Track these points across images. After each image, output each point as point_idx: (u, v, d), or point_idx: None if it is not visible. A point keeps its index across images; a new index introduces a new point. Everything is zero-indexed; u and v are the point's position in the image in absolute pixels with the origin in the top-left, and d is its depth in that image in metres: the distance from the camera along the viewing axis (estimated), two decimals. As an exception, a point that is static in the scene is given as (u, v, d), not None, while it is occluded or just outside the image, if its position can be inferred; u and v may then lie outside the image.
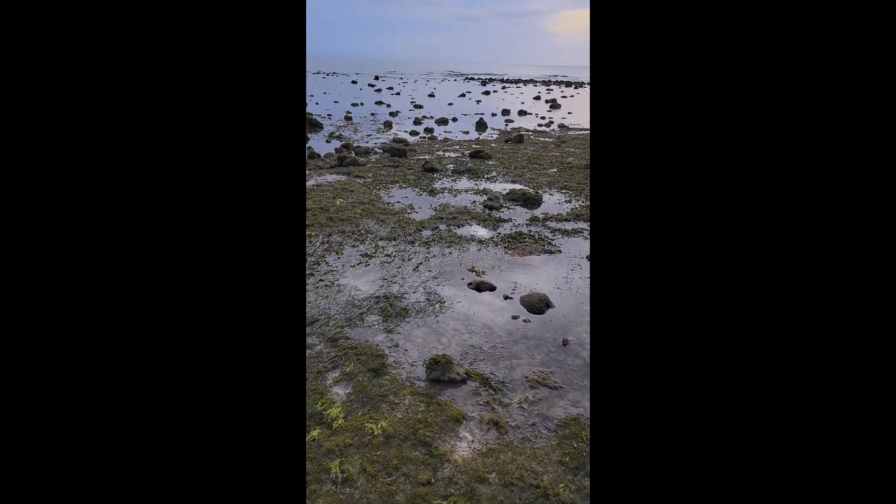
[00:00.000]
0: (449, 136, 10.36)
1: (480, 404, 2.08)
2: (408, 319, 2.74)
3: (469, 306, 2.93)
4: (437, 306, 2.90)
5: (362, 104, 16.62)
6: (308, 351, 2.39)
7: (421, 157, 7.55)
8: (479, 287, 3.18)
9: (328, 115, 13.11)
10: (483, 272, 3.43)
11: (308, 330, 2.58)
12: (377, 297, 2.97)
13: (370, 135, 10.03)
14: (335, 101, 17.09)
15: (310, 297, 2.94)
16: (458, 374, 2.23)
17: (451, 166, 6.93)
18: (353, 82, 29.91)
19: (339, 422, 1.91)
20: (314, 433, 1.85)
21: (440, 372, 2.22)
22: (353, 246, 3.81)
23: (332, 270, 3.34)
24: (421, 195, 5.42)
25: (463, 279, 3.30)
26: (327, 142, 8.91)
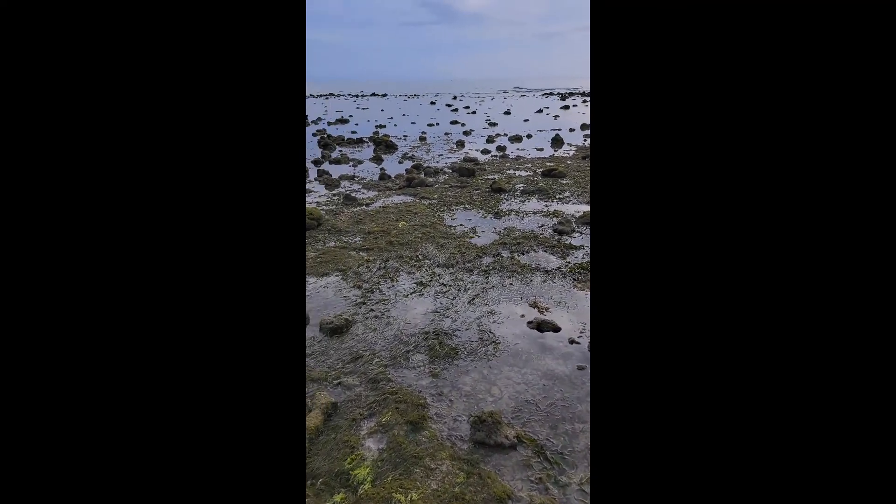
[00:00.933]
0: (521, 153, 10.03)
1: (532, 481, 1.73)
2: (456, 362, 2.47)
3: (527, 350, 2.58)
4: (491, 348, 2.60)
5: (438, 124, 16.96)
6: (347, 392, 2.23)
7: (490, 177, 7.32)
8: (541, 327, 2.81)
9: (404, 136, 13.52)
10: (546, 308, 3.06)
11: (350, 367, 2.43)
12: (426, 332, 2.76)
13: (441, 154, 10.06)
14: (412, 123, 17.67)
15: (358, 329, 2.81)
16: (506, 437, 1.91)
17: (520, 186, 6.60)
18: (432, 103, 30.91)
19: (366, 486, 1.69)
20: (337, 498, 1.65)
21: (486, 433, 1.91)
22: (409, 273, 3.65)
23: (384, 299, 3.20)
24: (485, 218, 5.17)
25: (523, 316, 2.95)
26: (400, 162, 9.09)
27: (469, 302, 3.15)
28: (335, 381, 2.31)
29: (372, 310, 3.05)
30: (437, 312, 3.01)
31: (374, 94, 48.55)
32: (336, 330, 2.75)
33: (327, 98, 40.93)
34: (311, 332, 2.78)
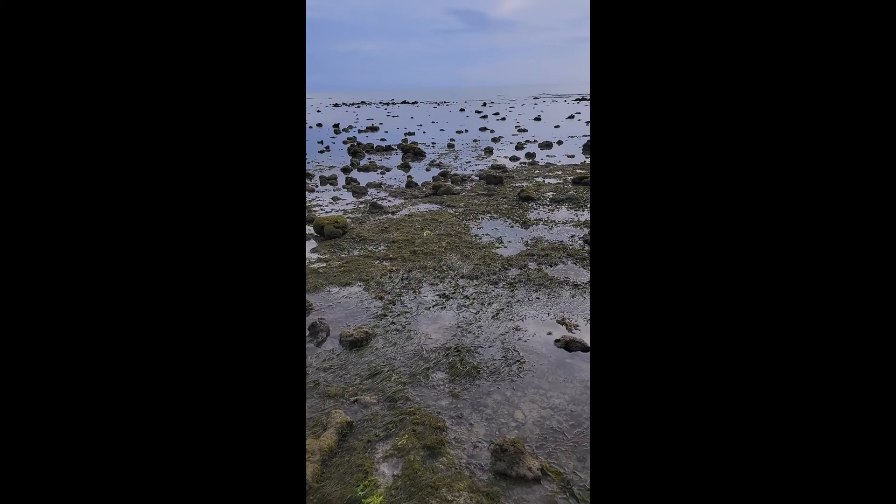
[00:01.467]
0: (552, 160, 9.81)
1: (556, 520, 1.59)
2: (478, 382, 2.35)
3: (554, 371, 2.43)
4: (515, 367, 2.47)
5: (466, 131, 16.93)
6: (364, 411, 2.16)
7: (518, 185, 7.17)
8: (570, 346, 2.65)
9: (432, 143, 13.55)
10: (575, 326, 2.89)
11: (368, 384, 2.36)
12: (448, 348, 2.65)
13: (469, 161, 9.99)
14: (441, 130, 17.72)
15: (378, 342, 2.74)
16: (530, 469, 1.77)
17: (549, 194, 6.42)
18: (461, 110, 30.99)
19: (378, 517, 1.60)
20: (347, 528, 1.57)
21: (508, 463, 1.79)
22: (432, 284, 3.57)
23: (405, 312, 3.12)
24: (512, 227, 5.03)
25: (550, 333, 2.80)
26: (427, 170, 9.08)
27: (493, 317, 3.02)
28: (352, 399, 2.24)
29: (393, 322, 2.98)
30: (459, 327, 2.90)
31: (404, 102, 49.28)
32: (355, 343, 2.69)
33: (359, 106, 41.87)
34: (331, 344, 2.74)
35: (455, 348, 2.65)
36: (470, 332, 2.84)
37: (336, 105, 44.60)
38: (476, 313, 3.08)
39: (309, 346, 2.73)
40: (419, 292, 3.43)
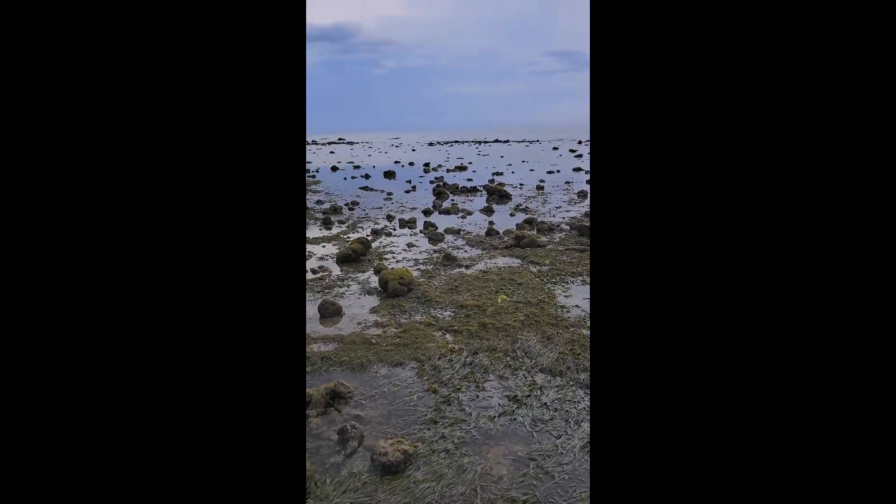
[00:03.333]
0: (657, 208, 8.51)
1: None
2: (553, 584, 1.52)
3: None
4: (615, 564, 1.58)
5: (558, 171, 16.06)
6: None
7: (617, 239, 6.14)
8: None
9: (520, 184, 12.93)
10: (712, 488, 1.90)
11: (392, 550, 1.66)
12: (513, 501, 1.86)
13: (559, 207, 9.12)
14: (531, 170, 17.08)
15: (419, 470, 2.05)
16: None
17: (657, 254, 5.30)
18: (555, 148, 30.16)
19: None
20: None
21: None
22: (502, 377, 2.81)
23: (461, 420, 2.40)
24: (610, 298, 4.07)
25: (670, 497, 1.86)
26: (511, 215, 8.42)
27: (582, 448, 2.16)
28: (363, 581, 1.56)
29: (443, 437, 2.27)
30: (531, 459, 2.09)
31: (496, 141, 49.96)
32: (389, 469, 2.03)
33: (452, 145, 43.31)
34: (361, 461, 2.11)
35: (523, 502, 1.85)
36: (546, 472, 2.01)
37: (431, 144, 46.76)
38: (557, 437, 2.24)
39: (335, 458, 2.14)
40: (483, 388, 2.70)
